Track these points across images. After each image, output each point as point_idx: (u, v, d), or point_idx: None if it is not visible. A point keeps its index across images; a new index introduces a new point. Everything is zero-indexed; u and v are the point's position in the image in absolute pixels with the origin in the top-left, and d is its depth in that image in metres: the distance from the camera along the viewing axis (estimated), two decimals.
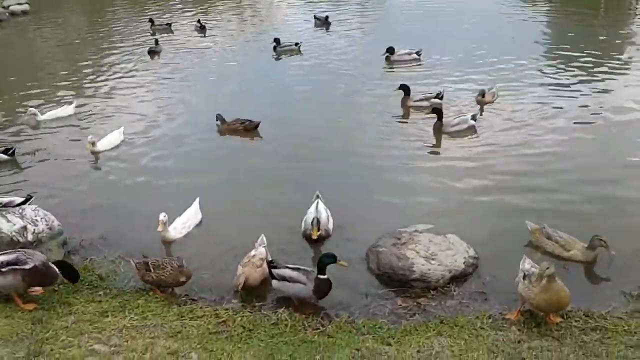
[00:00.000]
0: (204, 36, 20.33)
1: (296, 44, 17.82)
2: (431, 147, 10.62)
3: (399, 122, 11.76)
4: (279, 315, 5.95)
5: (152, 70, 16.21)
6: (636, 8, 22.27)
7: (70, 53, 18.77)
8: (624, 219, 7.76)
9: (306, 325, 5.78)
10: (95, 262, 7.12)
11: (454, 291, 6.40)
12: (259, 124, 11.48)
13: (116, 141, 11.07)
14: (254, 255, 6.66)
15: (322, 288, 6.00)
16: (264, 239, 7.10)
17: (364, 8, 24.48)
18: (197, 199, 8.31)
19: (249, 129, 11.48)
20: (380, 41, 16.86)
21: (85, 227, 8.01)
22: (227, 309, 6.01)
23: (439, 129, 10.88)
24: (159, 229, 7.63)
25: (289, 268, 6.22)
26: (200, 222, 8.18)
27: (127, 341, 5.03)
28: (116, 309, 5.80)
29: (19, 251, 5.84)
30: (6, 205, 7.87)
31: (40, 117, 12.47)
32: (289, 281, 6.10)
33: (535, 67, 14.61)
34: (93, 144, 10.61)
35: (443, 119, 10.90)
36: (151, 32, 20.85)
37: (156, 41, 18.64)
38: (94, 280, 6.63)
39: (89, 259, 7.20)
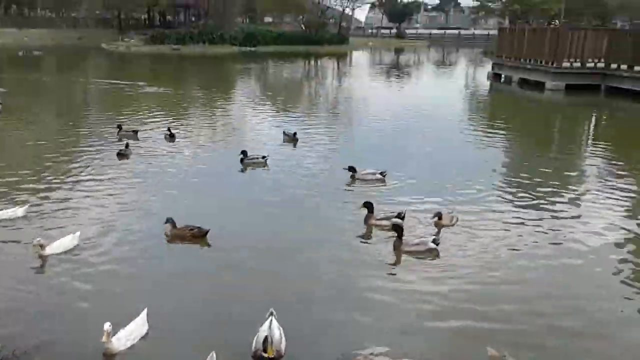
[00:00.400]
0: (174, 144, 20.52)
1: (263, 157, 18.10)
2: (390, 266, 10.51)
3: (361, 241, 11.70)
4: None
5: (116, 175, 16.08)
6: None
7: (37, 153, 18.61)
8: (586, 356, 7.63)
9: None
10: None
11: None
12: (207, 231, 11.30)
13: (69, 245, 10.59)
14: None
15: None
16: (214, 356, 6.68)
17: (332, 127, 25.37)
18: (145, 310, 7.90)
19: (197, 236, 11.29)
20: (346, 158, 17.31)
21: (22, 334, 7.48)
22: None
23: (398, 247, 10.87)
24: (103, 339, 7.18)
25: None
26: (147, 333, 7.72)
27: None
28: None
29: None
30: None
31: None
32: None
33: (496, 193, 15.01)
34: (41, 246, 10.17)
35: (403, 238, 10.91)
36: (118, 137, 20.99)
37: (127, 145, 18.79)
38: None
39: None
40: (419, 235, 11.56)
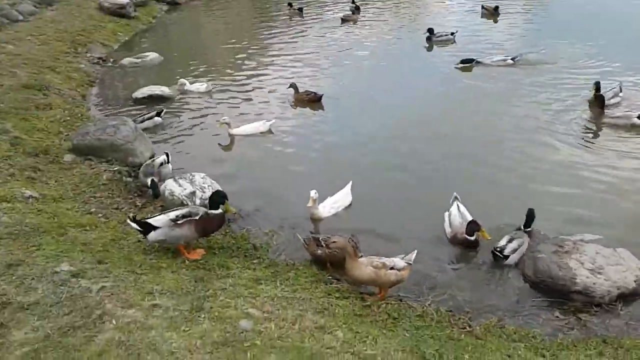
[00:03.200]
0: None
1: (452, 33, 17.38)
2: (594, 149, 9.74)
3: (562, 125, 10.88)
4: (425, 308, 5.85)
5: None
6: None
7: (230, 35, 20.02)
8: None
9: (452, 322, 5.63)
10: (250, 232, 7.52)
11: (621, 310, 5.82)
12: (321, 96, 12.54)
13: (261, 129, 11.21)
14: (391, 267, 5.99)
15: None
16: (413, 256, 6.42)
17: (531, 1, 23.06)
18: (350, 182, 8.39)
19: (313, 100, 12.58)
20: (544, 35, 15.88)
21: (242, 199, 8.38)
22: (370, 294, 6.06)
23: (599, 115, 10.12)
24: (309, 204, 7.85)
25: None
26: (350, 204, 8.27)
27: (278, 310, 5.20)
28: (269, 278, 6.06)
29: (188, 206, 6.54)
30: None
31: (189, 87, 13.67)
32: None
33: None
34: (229, 125, 11.04)
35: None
36: (289, 15, 22.52)
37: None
38: (249, 249, 7.01)
39: (245, 228, 7.63)
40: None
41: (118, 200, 8.24)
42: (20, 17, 18.61)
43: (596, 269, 6.01)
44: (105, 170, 8.97)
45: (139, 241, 6.70)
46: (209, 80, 14.46)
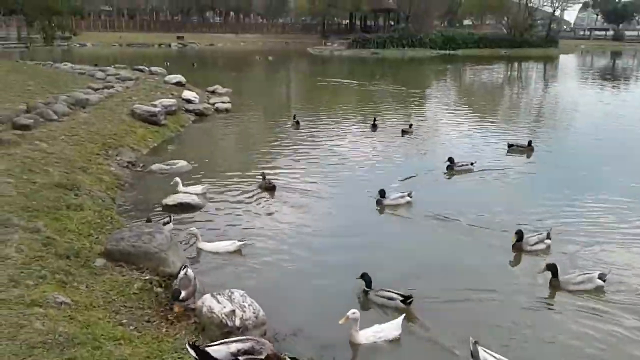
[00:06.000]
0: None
1: (471, 163, 17.72)
2: None
3: None
4: None
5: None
6: None
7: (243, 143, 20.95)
8: None
9: None
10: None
11: None
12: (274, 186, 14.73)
13: (229, 248, 10.86)
14: None
15: None
16: None
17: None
18: (402, 316, 8.03)
19: (269, 188, 14.74)
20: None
21: (279, 317, 8.10)
22: None
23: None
24: (341, 321, 7.59)
25: None
26: (398, 339, 7.88)
27: None
28: None
29: (252, 339, 5.99)
30: None
31: (181, 188, 13.97)
32: None
33: None
34: (197, 237, 10.96)
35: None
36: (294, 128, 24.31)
37: (410, 125, 23.68)
38: None
39: (283, 354, 7.20)
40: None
41: (149, 312, 7.92)
42: (55, 117, 19.19)
43: None
44: (136, 279, 8.70)
45: None
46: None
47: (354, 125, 25.79)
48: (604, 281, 9.52)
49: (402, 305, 8.61)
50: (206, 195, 14.15)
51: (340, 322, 7.62)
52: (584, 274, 9.72)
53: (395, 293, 8.79)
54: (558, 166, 18.39)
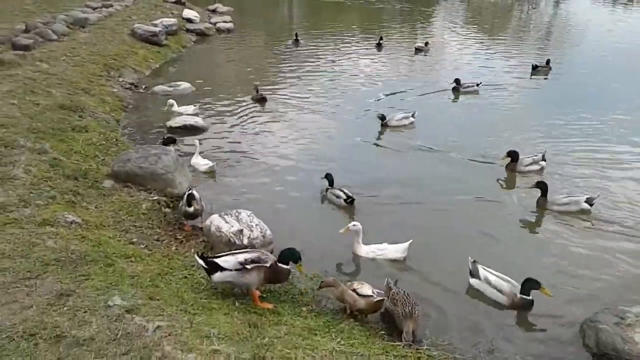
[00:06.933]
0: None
1: (477, 84, 17.56)
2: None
3: None
4: None
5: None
6: None
7: (245, 65, 20.68)
8: None
9: None
10: (294, 276, 7.28)
11: None
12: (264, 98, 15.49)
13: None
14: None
15: None
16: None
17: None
18: (409, 241, 8.07)
19: (259, 100, 15.54)
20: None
21: (285, 238, 8.21)
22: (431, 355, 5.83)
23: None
24: (341, 231, 7.94)
25: None
26: (404, 259, 8.03)
27: None
28: (322, 329, 5.84)
29: (257, 251, 6.24)
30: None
31: (176, 108, 14.07)
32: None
33: None
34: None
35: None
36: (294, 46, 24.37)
37: (426, 43, 23.22)
38: (296, 294, 6.80)
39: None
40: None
41: (158, 231, 8.08)
42: (54, 37, 18.78)
43: None
44: (144, 199, 8.82)
45: (186, 277, 6.54)
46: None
47: (358, 43, 25.26)
48: (591, 205, 9.57)
49: (344, 203, 9.60)
50: (198, 115, 14.18)
51: (340, 231, 7.98)
52: (571, 196, 9.81)
53: (343, 192, 9.70)
54: (568, 84, 18.28)
